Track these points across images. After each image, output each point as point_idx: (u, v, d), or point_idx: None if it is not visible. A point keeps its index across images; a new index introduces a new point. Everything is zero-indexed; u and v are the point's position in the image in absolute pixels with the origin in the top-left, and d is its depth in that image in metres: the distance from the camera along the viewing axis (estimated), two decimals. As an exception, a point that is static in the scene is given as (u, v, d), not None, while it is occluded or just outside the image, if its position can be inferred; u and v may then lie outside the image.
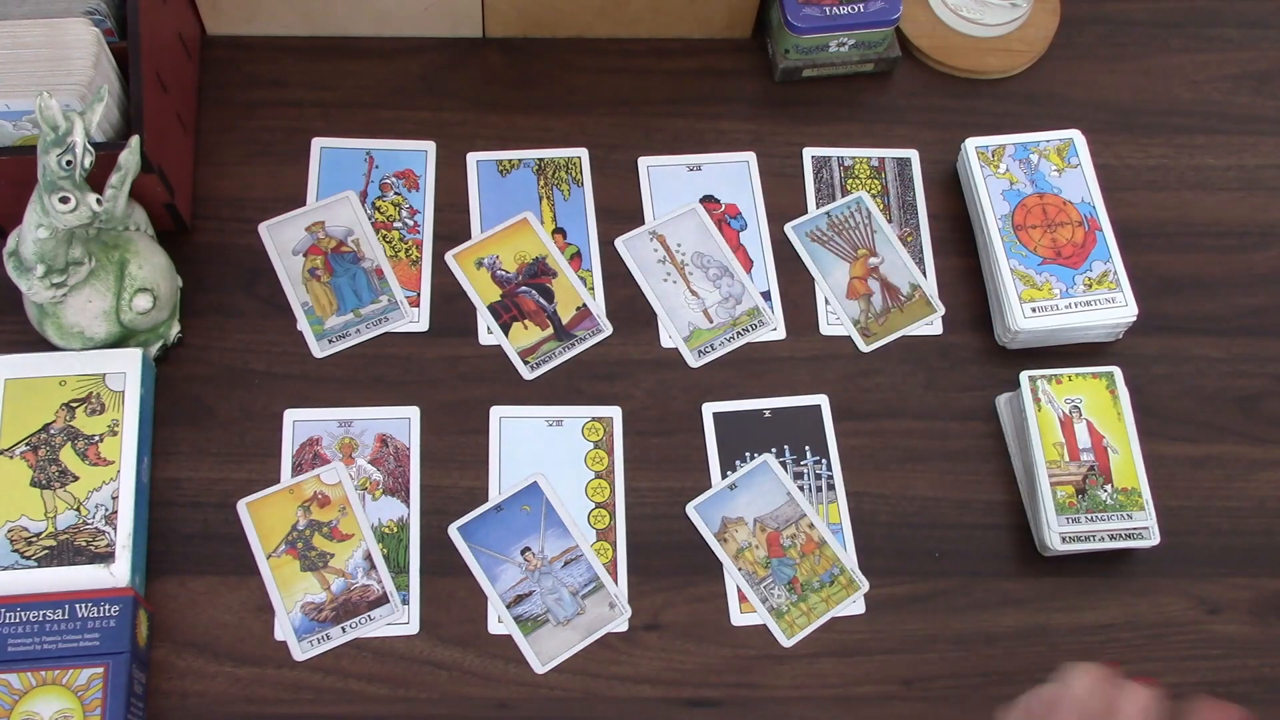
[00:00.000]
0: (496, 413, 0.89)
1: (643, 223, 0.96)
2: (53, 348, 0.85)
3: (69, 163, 0.77)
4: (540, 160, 0.98)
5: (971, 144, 0.97)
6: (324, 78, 1.00)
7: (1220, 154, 1.02)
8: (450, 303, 0.93)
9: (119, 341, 0.86)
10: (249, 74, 0.99)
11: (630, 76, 1.01)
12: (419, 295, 0.93)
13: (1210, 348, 0.95)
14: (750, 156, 0.99)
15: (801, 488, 0.88)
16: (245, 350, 0.90)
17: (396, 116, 0.98)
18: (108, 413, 0.84)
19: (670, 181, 0.98)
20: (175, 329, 0.89)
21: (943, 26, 1.04)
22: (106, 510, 0.81)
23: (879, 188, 0.99)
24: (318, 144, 0.97)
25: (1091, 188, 0.96)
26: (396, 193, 0.96)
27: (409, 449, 0.87)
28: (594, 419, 0.89)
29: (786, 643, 0.84)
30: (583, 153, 0.98)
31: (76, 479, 0.82)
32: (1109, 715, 0.60)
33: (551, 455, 0.88)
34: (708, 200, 0.97)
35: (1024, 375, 0.88)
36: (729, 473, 0.88)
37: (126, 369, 0.85)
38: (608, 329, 0.92)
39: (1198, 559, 0.88)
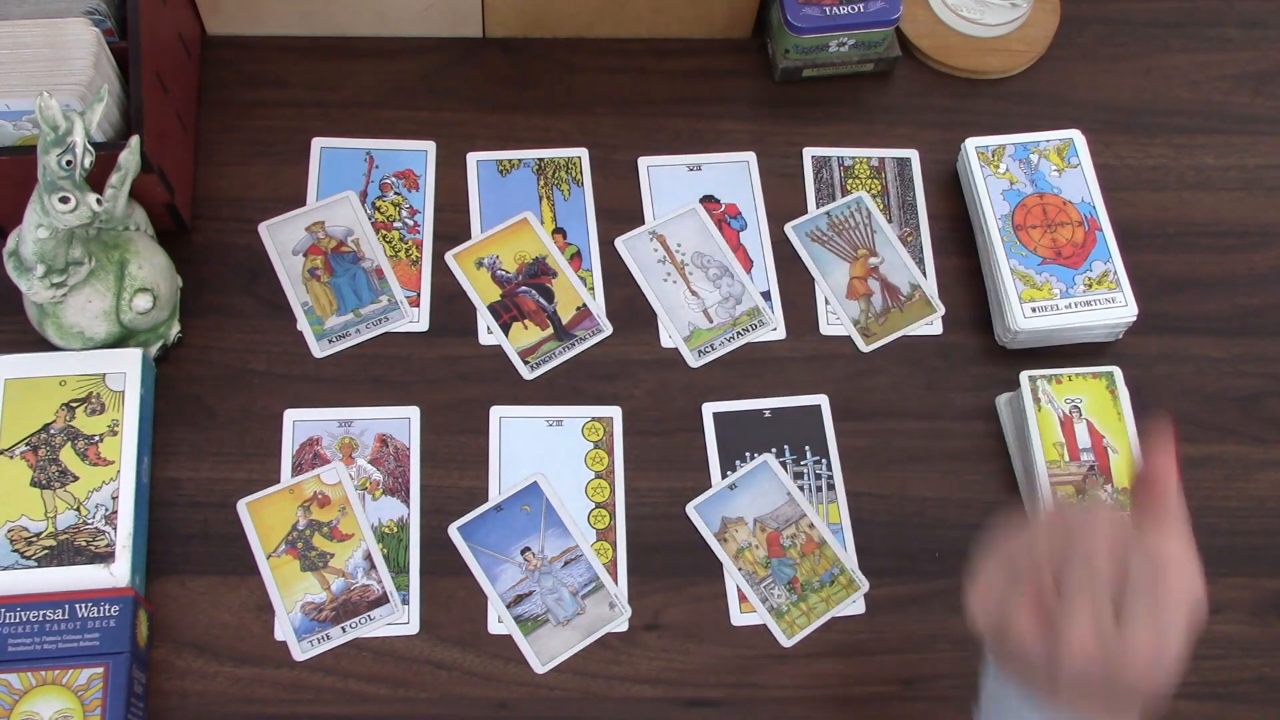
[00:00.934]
0: (496, 413, 0.89)
1: (643, 223, 0.96)
2: (53, 348, 0.85)
3: (69, 163, 0.77)
4: (540, 160, 0.98)
5: (971, 144, 0.97)
6: (324, 78, 1.00)
7: (1220, 154, 1.02)
8: (450, 303, 0.93)
9: (119, 341, 0.86)
10: (249, 74, 0.99)
11: (630, 76, 1.01)
12: (419, 295, 0.93)
13: (1210, 348, 0.95)
14: (750, 156, 0.99)
15: (801, 488, 0.88)
16: (245, 350, 0.90)
17: (396, 116, 0.98)
18: (108, 413, 0.84)
19: (670, 181, 0.98)
20: (175, 329, 0.89)
21: (943, 26, 1.04)
22: (106, 510, 0.81)
23: (879, 188, 0.99)
24: (318, 144, 0.97)
25: (1091, 188, 0.96)
26: (396, 193, 0.96)
27: (409, 449, 0.87)
28: (594, 419, 0.89)
29: (786, 643, 0.84)
30: (583, 153, 0.98)
31: (76, 479, 0.82)
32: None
33: (551, 455, 0.88)
34: (708, 200, 0.97)
35: (1024, 375, 0.88)
36: (729, 473, 0.88)
37: (126, 369, 0.85)
38: (608, 329, 0.92)
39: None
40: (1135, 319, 0.92)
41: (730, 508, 0.87)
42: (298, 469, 0.86)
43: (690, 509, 0.87)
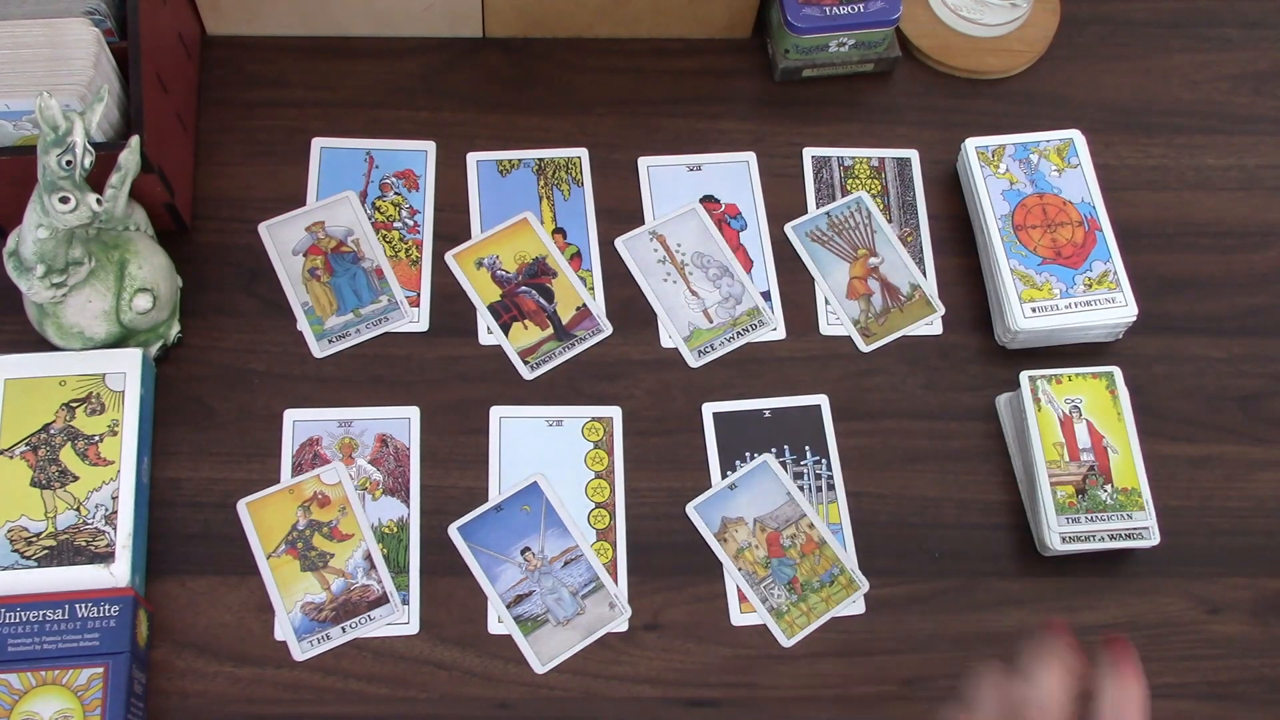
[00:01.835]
0: (496, 413, 0.89)
1: (643, 223, 0.96)
2: (53, 348, 0.85)
3: (69, 163, 0.77)
4: (540, 160, 0.98)
5: (971, 144, 0.97)
6: (324, 78, 1.00)
7: (1220, 154, 1.02)
8: (450, 303, 0.93)
9: (119, 341, 0.86)
10: (249, 74, 0.99)
11: (630, 76, 1.01)
12: (419, 295, 0.93)
13: (1210, 348, 0.95)
14: (750, 156, 0.99)
15: (801, 488, 0.88)
16: (245, 350, 0.90)
17: (396, 116, 0.98)
18: (108, 413, 0.84)
19: (670, 181, 0.98)
20: (175, 329, 0.89)
21: (943, 26, 1.04)
22: (106, 510, 0.81)
23: (879, 188, 0.99)
24: (318, 144, 0.97)
25: (1091, 188, 0.96)
26: (396, 193, 0.96)
27: (409, 449, 0.87)
28: (594, 419, 0.89)
29: (786, 643, 0.84)
30: (583, 153, 0.98)
31: (76, 479, 0.82)
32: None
33: (551, 455, 0.88)
34: (708, 200, 0.97)
35: (1024, 375, 0.88)
36: (729, 473, 0.88)
37: (126, 369, 0.85)
38: (608, 329, 0.92)
39: (1198, 559, 0.88)
40: (1135, 319, 0.92)
41: (730, 508, 0.87)
42: (298, 469, 0.86)
43: (690, 509, 0.87)
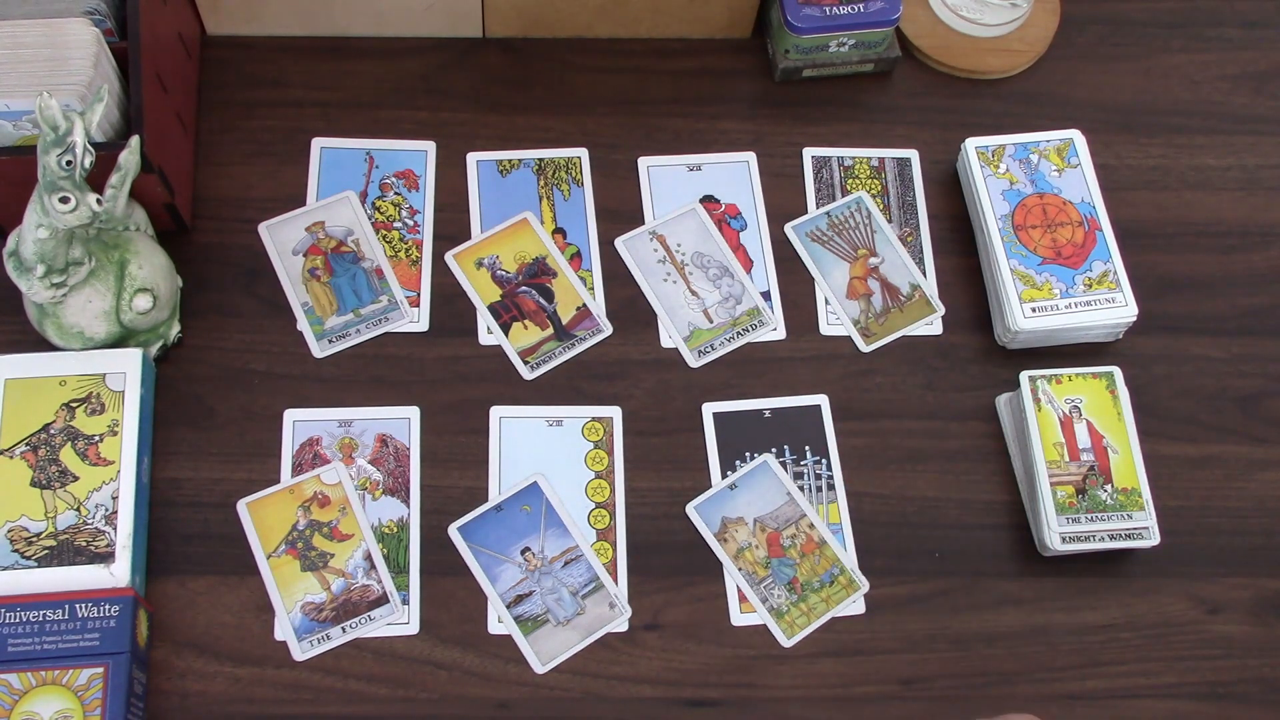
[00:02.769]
0: (496, 413, 0.89)
1: (643, 223, 0.96)
2: (53, 348, 0.85)
3: (69, 163, 0.77)
4: (540, 160, 0.98)
5: (971, 144, 0.97)
6: (324, 78, 1.00)
7: (1220, 154, 1.02)
8: (450, 303, 0.93)
9: (119, 341, 0.86)
10: (249, 74, 0.99)
11: (630, 76, 1.01)
12: (419, 295, 0.93)
13: (1210, 348, 0.95)
14: (750, 156, 0.99)
15: (801, 488, 0.88)
16: (245, 350, 0.90)
17: (396, 116, 0.98)
18: (108, 413, 0.84)
19: (670, 181, 0.98)
20: (175, 329, 0.89)
21: (943, 26, 1.04)
22: (106, 510, 0.81)
23: (879, 188, 0.99)
24: (318, 144, 0.97)
25: (1091, 188, 0.96)
26: (396, 193, 0.96)
27: (409, 449, 0.87)
28: (594, 419, 0.89)
29: (786, 643, 0.84)
30: (583, 153, 0.98)
31: (76, 479, 0.82)
32: None
33: (551, 455, 0.88)
34: (708, 200, 0.97)
35: (1024, 375, 0.88)
36: (729, 473, 0.88)
37: (126, 369, 0.85)
38: (608, 329, 0.92)
39: (1198, 559, 0.88)
40: (1135, 319, 0.92)
41: (730, 508, 0.87)
42: (298, 469, 0.86)
43: (690, 509, 0.87)
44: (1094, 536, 0.84)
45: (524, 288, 0.93)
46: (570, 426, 0.89)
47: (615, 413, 0.89)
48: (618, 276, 0.94)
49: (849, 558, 0.86)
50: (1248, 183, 1.01)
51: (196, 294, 0.91)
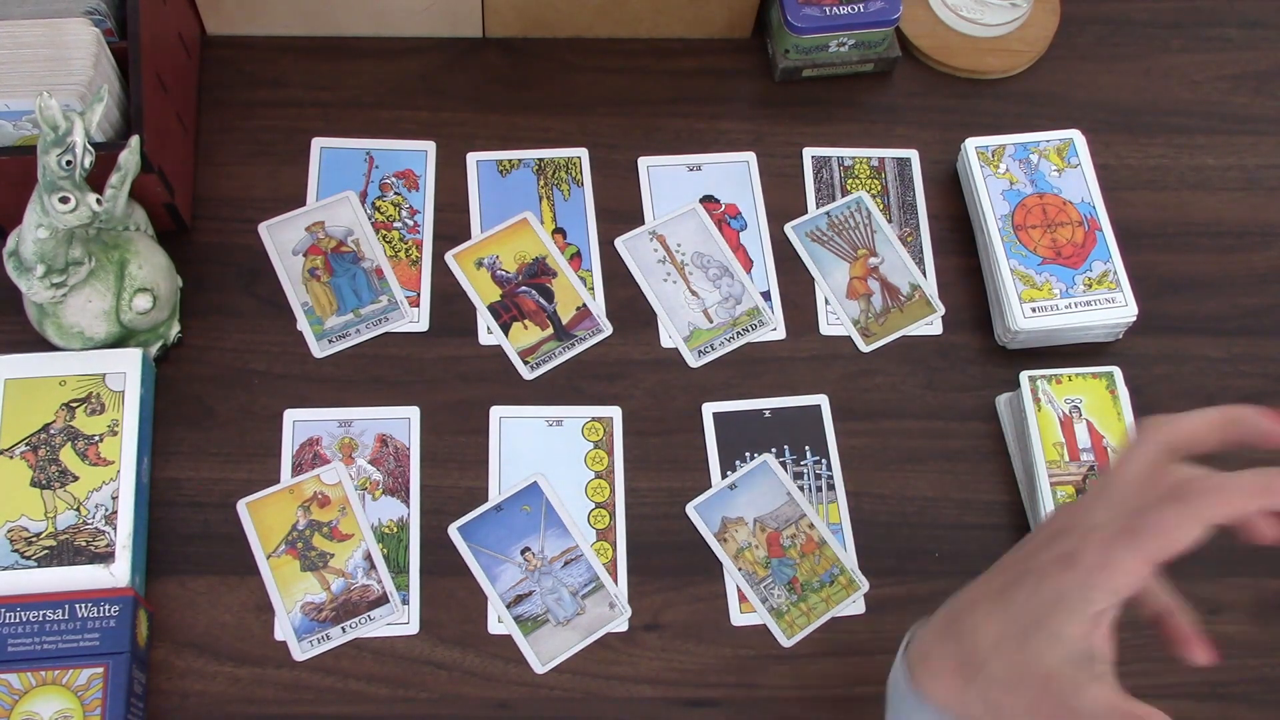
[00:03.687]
0: (496, 413, 0.89)
1: (643, 223, 0.96)
2: (53, 348, 0.85)
3: (69, 163, 0.77)
4: (540, 160, 0.98)
5: (971, 144, 0.97)
6: (324, 78, 1.00)
7: (1220, 154, 1.02)
8: (450, 303, 0.93)
9: (119, 341, 0.86)
10: (249, 74, 0.99)
11: (630, 76, 1.01)
12: (419, 295, 0.93)
13: (1210, 348, 0.95)
14: (750, 156, 0.99)
15: (801, 488, 0.88)
16: (245, 350, 0.90)
17: (396, 116, 0.98)
18: (108, 413, 0.84)
19: (670, 181, 0.98)
20: (175, 329, 0.89)
21: (943, 26, 1.04)
22: (106, 510, 0.81)
23: (879, 188, 0.99)
24: (318, 144, 0.97)
25: (1091, 188, 0.96)
26: (396, 193, 0.96)
27: (409, 449, 0.87)
28: (594, 419, 0.89)
29: (786, 643, 0.84)
30: (583, 153, 0.98)
31: (76, 479, 0.82)
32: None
33: (551, 455, 0.88)
34: (708, 200, 0.97)
35: (1024, 375, 0.88)
36: (729, 473, 0.88)
37: (126, 369, 0.85)
38: (608, 329, 0.92)
39: (1198, 559, 0.87)
40: (1135, 319, 0.92)
41: (730, 508, 0.87)
42: (298, 469, 0.86)
43: (690, 509, 0.87)
44: (1094, 536, 0.84)
45: (524, 288, 0.93)
46: (570, 426, 0.89)
47: (615, 413, 0.89)
48: (618, 276, 0.94)
49: (849, 558, 0.86)
50: (1248, 183, 1.01)
51: (196, 294, 0.91)
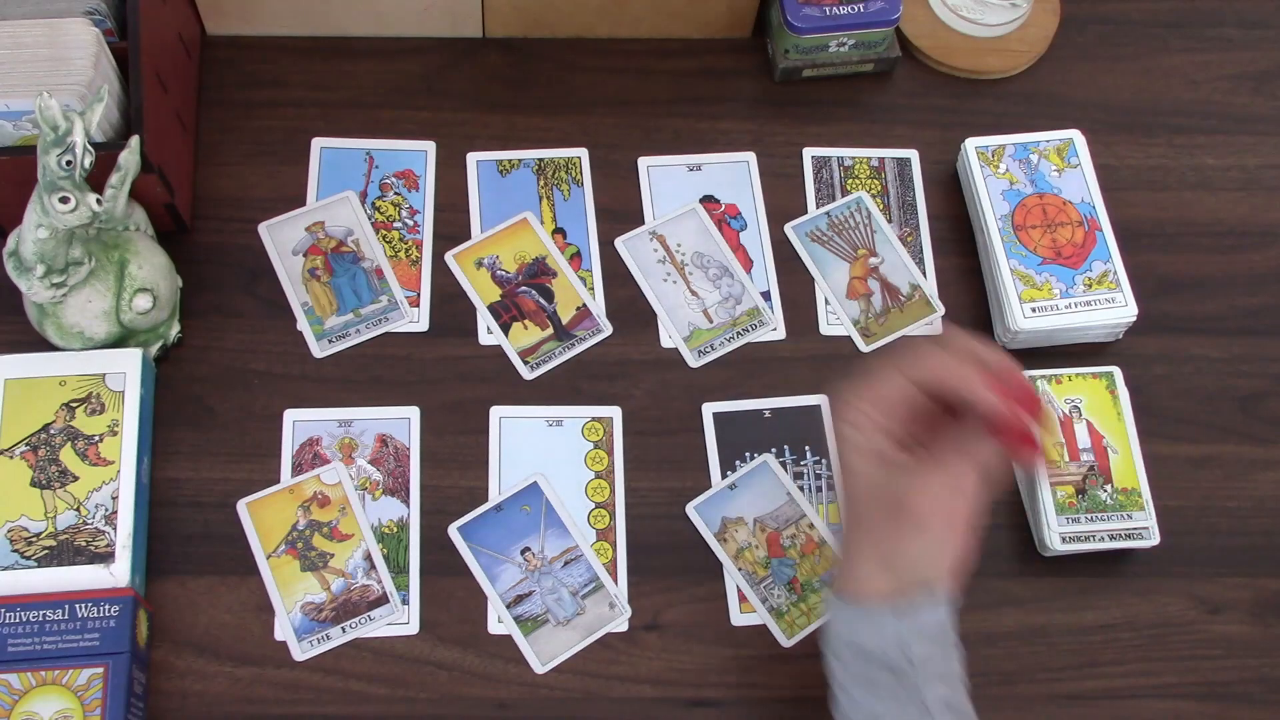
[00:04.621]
0: (496, 413, 0.89)
1: (643, 223, 0.96)
2: (53, 348, 0.85)
3: (69, 163, 0.77)
4: (540, 160, 0.98)
5: (971, 144, 0.97)
6: (324, 78, 1.00)
7: (1220, 154, 1.02)
8: (450, 303, 0.93)
9: (119, 341, 0.86)
10: (249, 74, 0.99)
11: (630, 76, 1.01)
12: (419, 295, 0.93)
13: (1210, 348, 0.95)
14: (750, 156, 0.99)
15: (801, 488, 0.88)
16: (245, 350, 0.90)
17: (396, 116, 0.98)
18: (108, 413, 0.84)
19: (670, 181, 0.98)
20: (175, 329, 0.89)
21: (943, 26, 1.04)
22: (106, 510, 0.81)
23: (879, 188, 0.99)
24: (318, 144, 0.97)
25: (1091, 188, 0.96)
26: (396, 193, 0.96)
27: (409, 449, 0.87)
28: (594, 419, 0.89)
29: (786, 643, 0.84)
30: (583, 153, 0.98)
31: (76, 479, 0.82)
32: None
33: (551, 455, 0.88)
34: (708, 200, 0.97)
35: (1024, 375, 0.88)
36: (729, 473, 0.88)
37: (126, 369, 0.85)
38: (608, 329, 0.92)
39: (1198, 559, 0.88)
40: (1135, 319, 0.92)
41: (730, 508, 0.87)
42: (298, 469, 0.86)
43: (690, 509, 0.87)
44: (1094, 536, 0.84)
45: (524, 288, 0.93)
46: (570, 426, 0.89)
47: (615, 413, 0.89)
48: (618, 276, 0.94)
49: (849, 558, 0.86)
50: (1248, 183, 1.01)
51: (196, 294, 0.91)
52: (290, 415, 0.88)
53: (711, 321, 0.93)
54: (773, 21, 1.00)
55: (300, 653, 0.81)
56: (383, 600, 0.83)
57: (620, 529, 0.86)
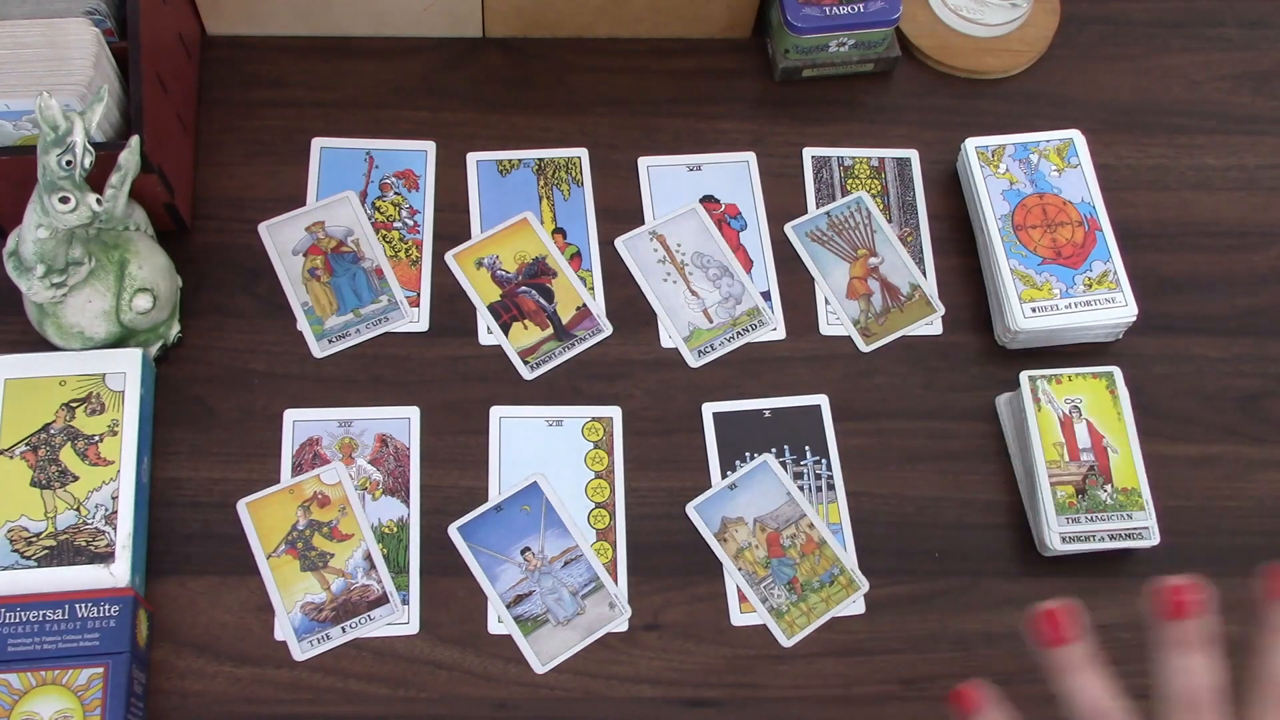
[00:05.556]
0: (496, 413, 0.89)
1: (643, 223, 0.96)
2: (53, 348, 0.85)
3: (69, 163, 0.77)
4: (540, 160, 0.98)
5: (971, 144, 0.97)
6: (324, 78, 1.00)
7: (1220, 154, 1.02)
8: (450, 303, 0.93)
9: (119, 341, 0.86)
10: (249, 74, 0.99)
11: (630, 76, 1.01)
12: (419, 295, 0.93)
13: (1210, 348, 0.95)
14: (750, 156, 0.99)
15: (801, 488, 0.88)
16: (245, 350, 0.90)
17: (396, 116, 0.98)
18: (108, 413, 0.84)
19: (670, 181, 0.98)
20: (175, 329, 0.89)
21: (943, 26, 1.04)
22: (106, 510, 0.81)
23: (879, 188, 0.99)
24: (318, 144, 0.97)
25: (1091, 188, 0.96)
26: (396, 193, 0.96)
27: (409, 449, 0.87)
28: (594, 419, 0.89)
29: (786, 643, 0.84)
30: (583, 153, 0.98)
31: (76, 479, 0.82)
32: None
33: (551, 455, 0.88)
34: (708, 200, 0.97)
35: (1024, 375, 0.88)
36: (729, 473, 0.88)
37: (126, 369, 0.85)
38: (608, 329, 0.92)
39: (1198, 559, 0.88)
40: (1135, 319, 0.92)
41: (730, 508, 0.87)
42: (298, 469, 0.86)
43: (690, 509, 0.87)
44: (1094, 536, 0.84)
45: (524, 288, 0.93)
46: (570, 426, 0.89)
47: (615, 413, 0.89)
48: (618, 276, 0.94)
49: (849, 558, 0.86)
50: (1248, 183, 1.01)
51: (196, 294, 0.91)
52: (290, 415, 0.88)
53: (711, 321, 0.93)
54: (773, 21, 1.00)
55: (300, 653, 0.81)
56: (383, 600, 0.83)
57: (620, 529, 0.86)
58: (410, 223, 0.95)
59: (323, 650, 0.82)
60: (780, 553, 0.86)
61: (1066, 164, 0.96)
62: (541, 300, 0.93)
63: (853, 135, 1.00)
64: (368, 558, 0.84)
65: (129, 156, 0.81)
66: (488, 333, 0.92)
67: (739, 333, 0.93)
